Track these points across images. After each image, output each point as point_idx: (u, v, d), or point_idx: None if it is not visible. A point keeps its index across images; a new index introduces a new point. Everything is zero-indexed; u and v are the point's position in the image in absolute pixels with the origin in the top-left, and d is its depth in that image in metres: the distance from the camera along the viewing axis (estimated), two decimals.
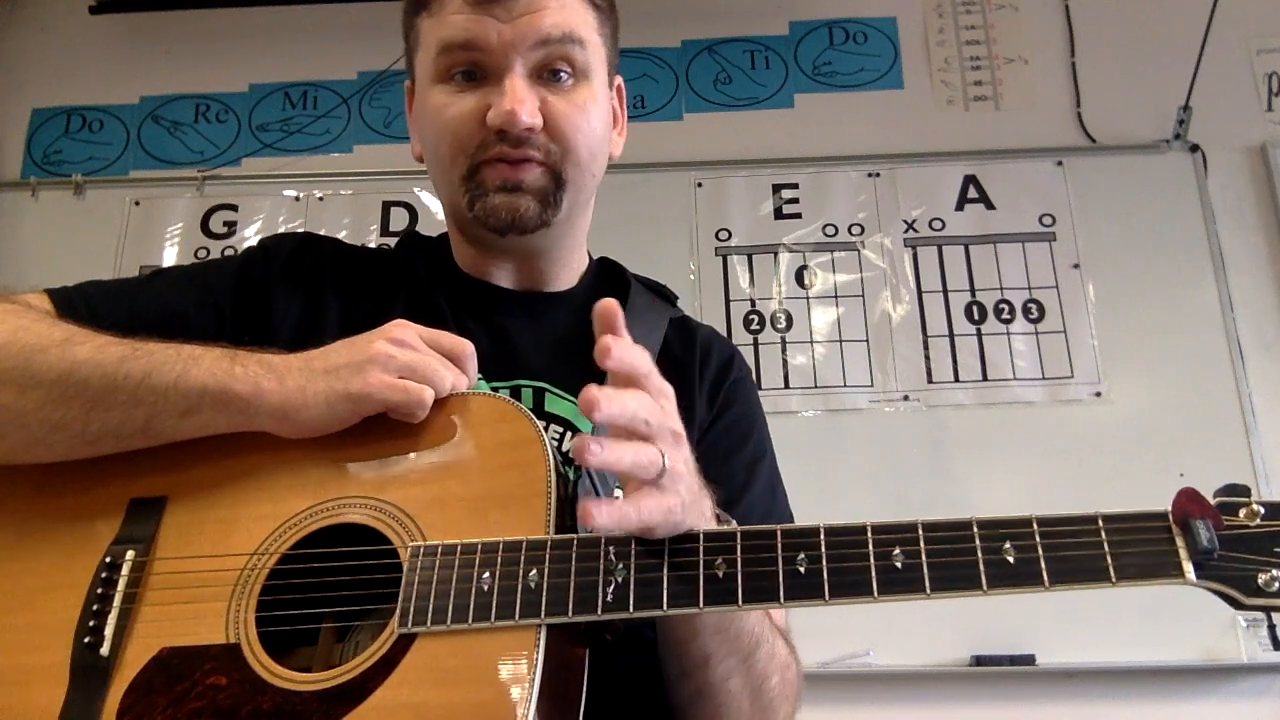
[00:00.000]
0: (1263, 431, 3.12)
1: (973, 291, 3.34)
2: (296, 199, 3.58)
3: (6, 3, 3.82)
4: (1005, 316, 3.30)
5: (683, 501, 0.97)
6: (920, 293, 3.35)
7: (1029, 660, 2.94)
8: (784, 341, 3.32)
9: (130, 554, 1.07)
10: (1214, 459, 3.07)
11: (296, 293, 1.31)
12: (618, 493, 1.18)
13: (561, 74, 1.26)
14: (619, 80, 1.41)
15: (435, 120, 1.28)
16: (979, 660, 2.95)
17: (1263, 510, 0.92)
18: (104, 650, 1.02)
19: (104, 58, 3.79)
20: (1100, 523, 0.93)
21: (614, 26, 1.36)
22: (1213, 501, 0.93)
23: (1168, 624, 2.89)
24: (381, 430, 1.09)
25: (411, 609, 0.97)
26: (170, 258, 3.49)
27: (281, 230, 2.92)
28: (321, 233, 1.48)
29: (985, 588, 0.92)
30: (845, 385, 3.27)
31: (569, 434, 1.24)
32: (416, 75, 1.33)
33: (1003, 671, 2.97)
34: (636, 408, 0.94)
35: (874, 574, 0.94)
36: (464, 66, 1.25)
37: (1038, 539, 0.93)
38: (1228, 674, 2.95)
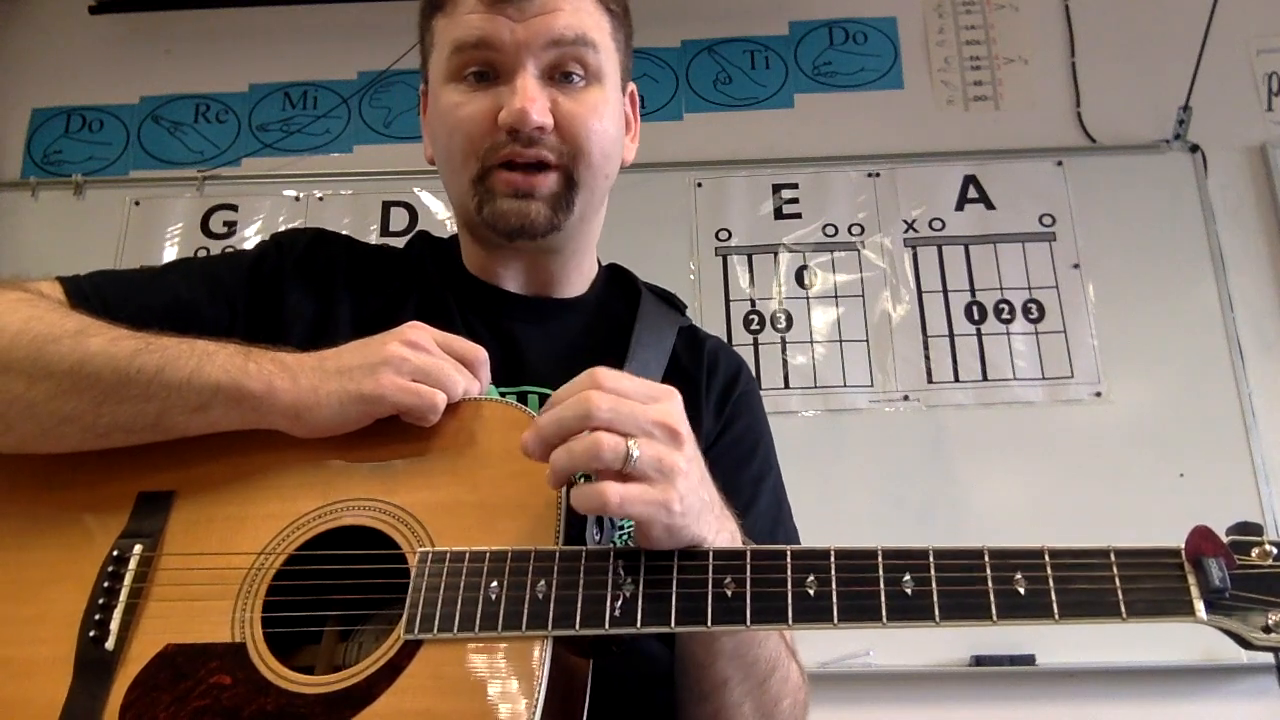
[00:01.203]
0: (1263, 431, 3.12)
1: (973, 291, 3.34)
2: (296, 199, 3.58)
3: (6, 3, 3.82)
4: (1005, 316, 3.30)
5: (680, 497, 0.95)
6: (920, 293, 3.35)
7: (1029, 660, 2.95)
8: (784, 341, 3.32)
9: (137, 548, 1.07)
10: (1214, 459, 3.07)
11: (309, 289, 1.31)
12: None
13: (574, 76, 1.26)
14: (632, 87, 1.41)
15: (447, 119, 1.27)
16: (979, 660, 2.95)
17: (1275, 550, 0.92)
18: (108, 645, 1.02)
19: (104, 58, 3.79)
20: (1112, 556, 0.93)
21: (628, 34, 1.36)
22: (1225, 540, 0.93)
23: (1168, 624, 2.88)
24: (393, 433, 1.08)
25: (418, 615, 0.97)
26: (170, 258, 3.48)
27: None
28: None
29: (995, 618, 0.93)
30: (845, 385, 3.27)
31: None
32: (431, 76, 1.33)
33: (1003, 671, 2.97)
34: (575, 408, 0.95)
35: (883, 599, 0.94)
36: (477, 66, 1.25)
37: (1049, 570, 0.93)
38: (1228, 674, 2.95)
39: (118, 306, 1.20)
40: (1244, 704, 2.94)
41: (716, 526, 1.01)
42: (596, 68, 1.28)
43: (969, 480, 3.14)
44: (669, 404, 0.99)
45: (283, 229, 1.54)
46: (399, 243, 1.48)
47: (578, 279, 1.41)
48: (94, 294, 1.23)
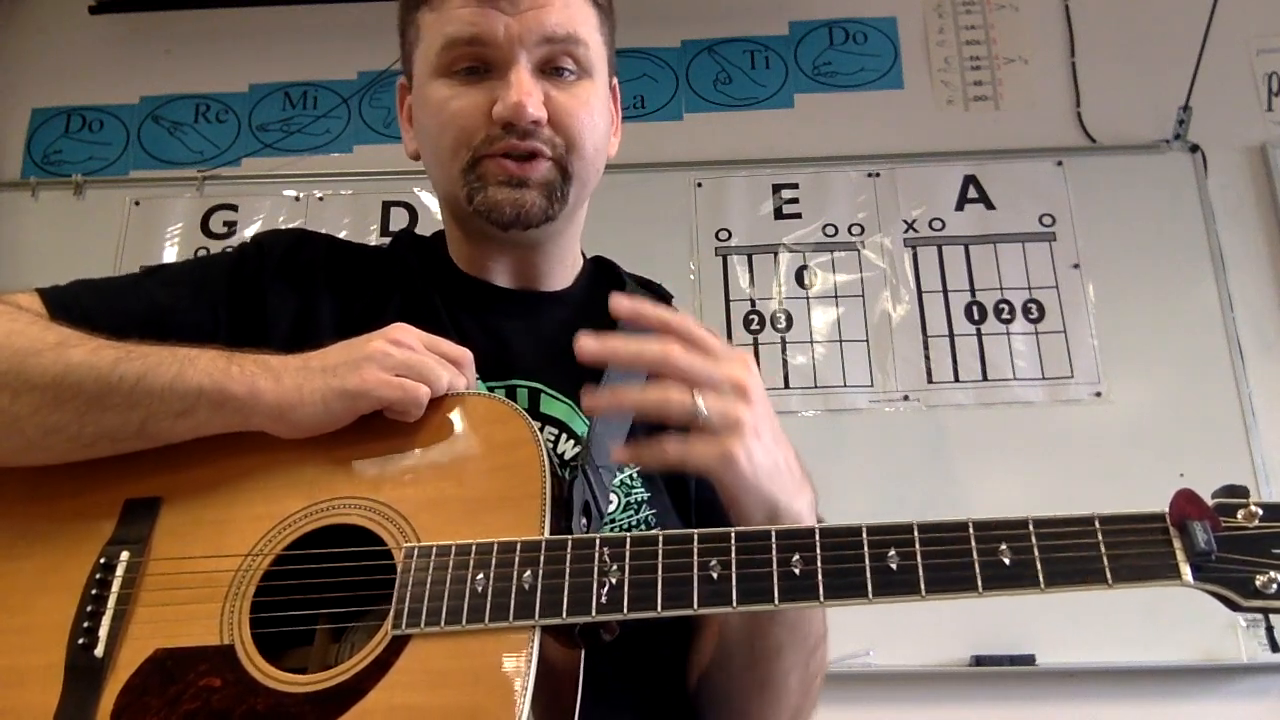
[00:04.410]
0: (1263, 431, 3.11)
1: (973, 291, 3.34)
2: (296, 199, 3.58)
3: (6, 3, 3.83)
4: (1005, 316, 3.30)
5: (747, 453, 0.99)
6: (920, 293, 3.35)
7: (1029, 660, 2.94)
8: (784, 341, 3.32)
9: (125, 555, 1.07)
10: (1214, 459, 3.07)
11: (291, 291, 1.30)
12: (612, 496, 1.18)
13: (565, 71, 1.26)
14: (614, 82, 1.40)
15: (438, 114, 1.26)
16: (979, 660, 2.95)
17: (1261, 511, 0.91)
18: (98, 651, 1.02)
19: (104, 58, 3.79)
20: (1097, 524, 0.93)
21: (613, 27, 1.36)
22: (1211, 503, 0.92)
23: (1168, 624, 2.88)
24: (377, 430, 1.08)
25: (405, 610, 0.97)
26: (170, 258, 3.49)
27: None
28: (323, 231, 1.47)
29: (981, 589, 0.92)
30: (845, 385, 3.27)
31: (564, 436, 1.23)
32: (415, 70, 1.31)
33: (1003, 671, 2.96)
34: (642, 351, 1.01)
35: (869, 575, 0.94)
36: (468, 62, 1.24)
37: (1034, 540, 0.93)
38: (1228, 674, 2.95)
39: (98, 316, 1.19)
40: (1244, 704, 2.94)
41: (794, 490, 1.04)
42: (587, 63, 1.27)
43: (969, 480, 3.14)
44: (742, 364, 1.04)
45: (264, 229, 1.53)
46: None
47: (564, 272, 1.40)
48: (74, 304, 1.22)
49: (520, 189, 1.24)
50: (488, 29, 1.22)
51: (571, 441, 1.23)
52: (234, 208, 3.58)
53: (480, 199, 1.25)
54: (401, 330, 1.11)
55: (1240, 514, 0.92)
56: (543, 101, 1.23)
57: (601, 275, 1.46)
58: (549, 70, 1.25)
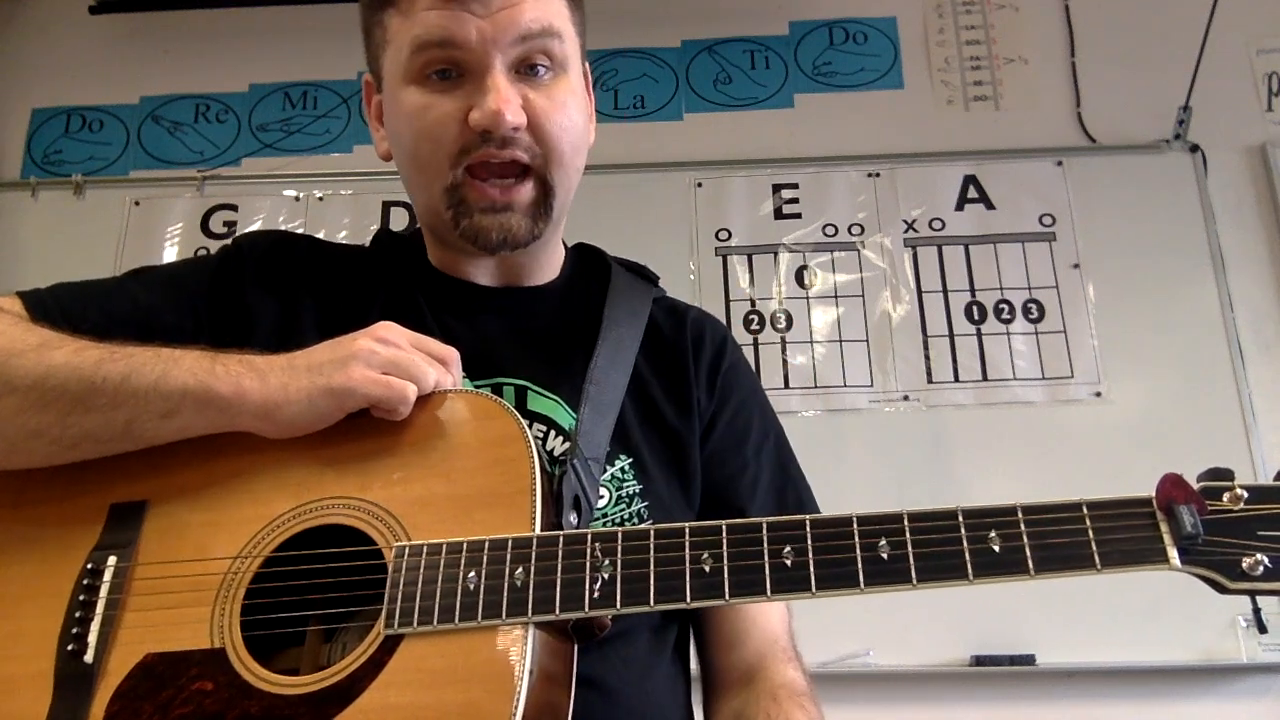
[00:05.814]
0: (1263, 431, 3.11)
1: (973, 291, 3.34)
2: (296, 199, 3.58)
3: (7, 3, 3.83)
4: (1005, 316, 3.30)
5: None
6: (920, 293, 3.35)
7: (1029, 660, 2.94)
8: (784, 341, 3.32)
9: (112, 560, 1.07)
10: (1214, 459, 2.98)
11: (272, 294, 1.30)
12: (603, 491, 1.19)
13: (539, 68, 1.23)
14: (586, 66, 1.38)
15: (414, 123, 1.24)
16: (979, 660, 2.95)
17: (1246, 494, 0.92)
18: (88, 658, 1.01)
19: (104, 58, 3.79)
20: (1085, 510, 0.94)
21: (583, 14, 1.34)
22: (1196, 486, 0.94)
23: (1168, 624, 2.88)
24: (365, 429, 1.08)
25: (398, 610, 0.97)
26: (170, 258, 3.48)
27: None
28: (320, 234, 1.47)
29: (971, 577, 0.93)
30: (845, 385, 3.26)
31: (552, 431, 1.23)
32: (385, 74, 1.29)
33: (1003, 671, 2.96)
34: None
35: (860, 565, 0.94)
36: (441, 65, 1.22)
37: (1023, 527, 0.94)
38: (1228, 674, 2.95)
39: (80, 318, 1.19)
40: (1244, 704, 2.93)
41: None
42: (562, 57, 1.25)
43: (969, 480, 3.14)
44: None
45: (249, 231, 1.53)
46: None
47: (547, 267, 1.40)
48: (55, 306, 1.21)
49: (504, 213, 1.24)
50: (459, 32, 1.19)
51: (560, 437, 1.23)
52: (234, 208, 3.58)
53: (466, 225, 1.25)
54: (388, 328, 1.11)
55: (1226, 497, 0.93)
56: (521, 106, 1.21)
57: (585, 264, 1.46)
58: (523, 70, 1.23)
